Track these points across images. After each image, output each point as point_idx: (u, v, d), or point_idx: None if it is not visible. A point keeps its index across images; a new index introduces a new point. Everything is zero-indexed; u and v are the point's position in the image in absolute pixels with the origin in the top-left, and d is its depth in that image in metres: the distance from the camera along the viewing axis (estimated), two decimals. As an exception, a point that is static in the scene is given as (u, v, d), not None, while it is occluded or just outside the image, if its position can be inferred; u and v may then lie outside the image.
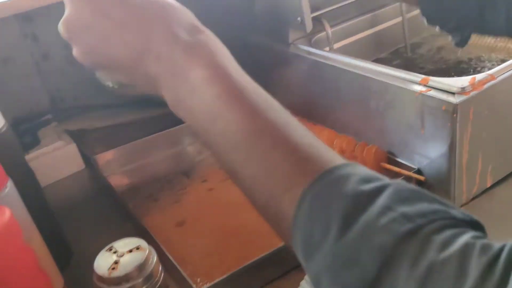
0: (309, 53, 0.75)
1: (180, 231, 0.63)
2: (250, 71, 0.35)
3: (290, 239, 0.30)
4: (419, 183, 0.62)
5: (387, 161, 0.66)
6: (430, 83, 0.57)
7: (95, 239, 0.60)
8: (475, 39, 0.84)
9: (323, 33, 0.81)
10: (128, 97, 0.92)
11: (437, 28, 0.58)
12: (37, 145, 0.80)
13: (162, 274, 0.44)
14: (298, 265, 0.55)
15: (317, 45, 0.80)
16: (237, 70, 0.34)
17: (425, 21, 0.58)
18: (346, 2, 0.83)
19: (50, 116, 0.82)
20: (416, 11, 0.89)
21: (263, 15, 0.84)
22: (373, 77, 0.64)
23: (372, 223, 0.25)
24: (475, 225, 0.26)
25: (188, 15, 0.36)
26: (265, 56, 0.85)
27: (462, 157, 0.57)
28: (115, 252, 0.43)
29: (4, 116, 0.54)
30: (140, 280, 0.41)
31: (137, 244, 0.43)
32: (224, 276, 0.50)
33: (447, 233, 0.25)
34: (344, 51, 0.84)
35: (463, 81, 0.55)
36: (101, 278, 0.41)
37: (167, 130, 0.81)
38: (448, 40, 0.87)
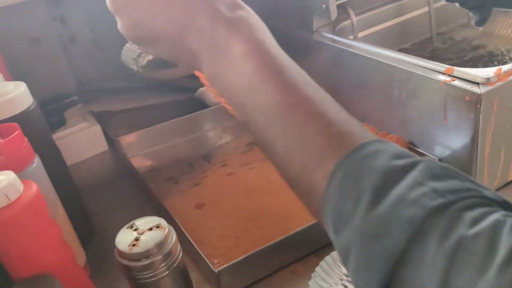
0: (333, 40, 0.75)
1: (199, 213, 0.64)
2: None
3: (320, 212, 0.30)
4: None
5: (408, 150, 0.66)
6: (455, 73, 0.57)
7: (116, 217, 0.61)
8: (505, 31, 0.82)
9: (348, 21, 0.80)
10: (152, 81, 0.93)
11: (457, 5, 0.57)
12: (63, 125, 0.82)
13: (181, 253, 0.45)
14: (314, 250, 0.56)
15: (341, 33, 0.80)
16: (275, 46, 0.35)
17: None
18: (372, -10, 0.82)
19: (76, 97, 0.84)
20: (443, 1, 0.87)
21: (287, 2, 0.84)
22: (397, 66, 0.63)
23: (403, 196, 0.25)
24: (507, 207, 0.26)
25: None
26: (288, 43, 0.83)
27: (484, 149, 0.56)
28: (136, 230, 0.44)
29: (32, 95, 0.55)
30: (159, 257, 0.42)
31: (158, 223, 0.44)
32: (241, 258, 0.51)
33: (478, 210, 0.24)
34: (368, 40, 0.83)
35: (488, 71, 0.55)
36: (122, 254, 0.42)
37: (189, 114, 0.82)
38: (475, 31, 0.85)
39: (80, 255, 0.56)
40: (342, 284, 0.49)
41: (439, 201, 0.25)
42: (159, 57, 0.40)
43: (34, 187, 0.43)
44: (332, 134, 0.30)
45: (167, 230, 0.43)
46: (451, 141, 0.60)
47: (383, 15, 0.90)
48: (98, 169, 0.80)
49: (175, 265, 0.44)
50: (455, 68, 0.57)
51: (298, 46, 0.83)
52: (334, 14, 0.74)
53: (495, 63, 0.83)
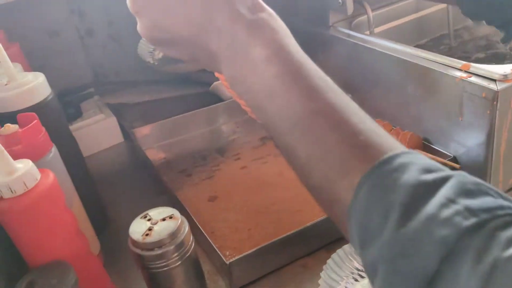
0: (349, 35, 0.75)
1: (211, 206, 0.65)
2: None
3: (344, 223, 0.29)
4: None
5: (422, 147, 0.65)
6: (471, 69, 0.56)
7: (130, 208, 0.62)
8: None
9: (364, 17, 0.80)
10: (167, 74, 0.94)
11: (484, 22, 0.57)
12: (79, 117, 0.83)
13: (193, 244, 0.45)
14: (325, 245, 0.56)
15: (357, 28, 0.79)
16: (297, 49, 0.34)
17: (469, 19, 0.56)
18: (389, -15, 0.81)
19: (93, 89, 0.85)
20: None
21: (304, -4, 0.84)
22: (413, 61, 0.63)
23: (435, 215, 0.25)
24: None
25: None
26: (304, 38, 0.84)
27: (500, 147, 0.56)
28: (149, 220, 0.44)
29: (50, 87, 0.56)
30: (172, 247, 0.43)
31: (171, 213, 0.45)
32: (252, 250, 0.51)
33: None
34: (384, 35, 0.83)
35: (505, 68, 0.54)
36: (135, 243, 0.43)
37: (204, 108, 0.83)
38: (492, 28, 0.84)
39: (94, 244, 0.57)
40: (353, 278, 0.50)
41: (472, 220, 0.24)
42: (179, 58, 0.40)
43: (51, 176, 0.44)
44: (356, 144, 0.29)
45: (180, 220, 0.44)
46: (466, 138, 0.59)
47: (400, 11, 0.89)
48: (113, 160, 0.82)
49: (187, 255, 0.44)
50: (472, 64, 0.57)
51: (314, 41, 0.82)
52: (350, 9, 0.73)
53: (514, 60, 0.82)
